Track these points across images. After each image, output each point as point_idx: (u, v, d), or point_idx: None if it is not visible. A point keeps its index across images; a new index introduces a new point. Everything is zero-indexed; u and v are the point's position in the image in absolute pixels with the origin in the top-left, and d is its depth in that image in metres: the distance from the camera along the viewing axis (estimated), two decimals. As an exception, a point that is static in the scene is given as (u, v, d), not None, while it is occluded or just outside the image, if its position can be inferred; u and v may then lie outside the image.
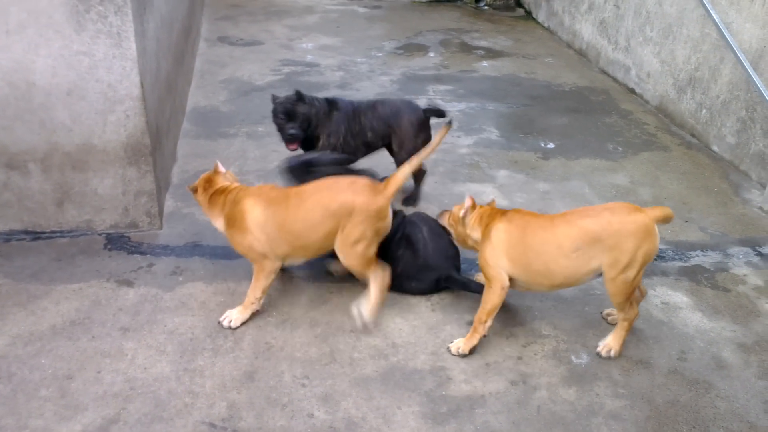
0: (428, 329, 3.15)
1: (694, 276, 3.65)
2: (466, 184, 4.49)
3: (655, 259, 3.76)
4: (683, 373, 2.96)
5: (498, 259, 2.92)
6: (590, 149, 5.13)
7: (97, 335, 2.98)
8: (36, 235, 3.63)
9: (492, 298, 2.94)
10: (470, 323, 3.18)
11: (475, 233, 3.08)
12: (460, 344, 3.01)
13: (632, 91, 6.33)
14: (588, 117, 5.75)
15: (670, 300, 3.44)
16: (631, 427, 2.67)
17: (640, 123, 5.66)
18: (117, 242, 3.63)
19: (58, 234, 3.65)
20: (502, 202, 4.29)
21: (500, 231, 2.93)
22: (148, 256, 3.54)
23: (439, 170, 4.64)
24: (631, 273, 2.79)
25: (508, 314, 3.27)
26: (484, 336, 3.01)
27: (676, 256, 3.82)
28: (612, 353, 3.01)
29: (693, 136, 5.40)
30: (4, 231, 3.60)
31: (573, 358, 3.02)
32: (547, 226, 2.87)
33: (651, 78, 6.02)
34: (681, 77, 5.56)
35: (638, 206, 2.85)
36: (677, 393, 2.85)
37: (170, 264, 3.49)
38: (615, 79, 6.63)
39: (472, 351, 3.00)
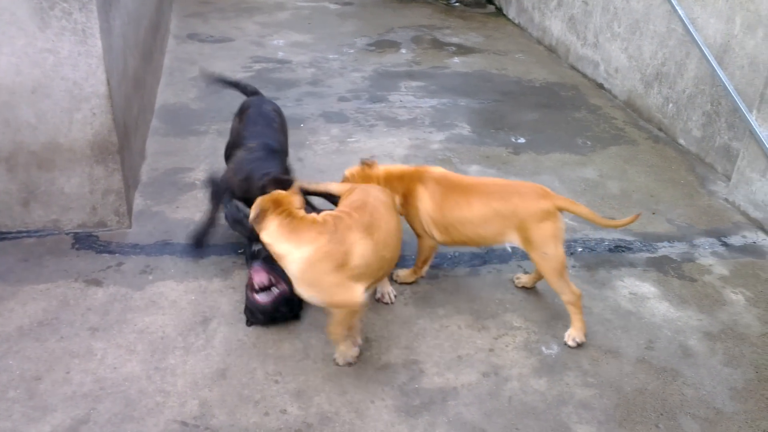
0: (401, 323, 3.17)
1: (661, 267, 3.71)
2: (438, 179, 4.51)
3: (623, 251, 3.83)
4: (651, 362, 3.02)
5: (424, 222, 3.22)
6: (560, 144, 5.19)
7: (66, 336, 2.94)
8: (2, 236, 3.56)
9: (424, 251, 3.35)
10: (443, 316, 3.22)
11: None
12: (406, 278, 3.45)
13: (601, 86, 6.41)
14: (558, 112, 5.81)
15: (638, 290, 3.50)
16: (600, 415, 2.71)
17: (609, 118, 5.74)
18: (85, 241, 3.58)
19: (25, 234, 3.59)
20: (473, 197, 4.31)
21: (424, 200, 3.19)
22: (117, 255, 3.50)
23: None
24: (550, 251, 3.01)
25: (480, 307, 3.30)
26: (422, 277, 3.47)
27: (644, 248, 3.88)
28: (577, 340, 3.09)
29: (660, 130, 5.49)
30: (-32, 232, 3.54)
31: (543, 349, 3.06)
32: (462, 202, 3.12)
33: (619, 73, 6.11)
34: (648, 72, 5.65)
35: (548, 191, 3.07)
36: (645, 381, 2.91)
37: (140, 263, 3.45)
38: (584, 75, 6.71)
39: (411, 283, 3.45)
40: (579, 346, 3.07)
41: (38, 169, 3.46)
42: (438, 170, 3.29)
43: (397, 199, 3.23)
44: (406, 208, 3.25)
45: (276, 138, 3.62)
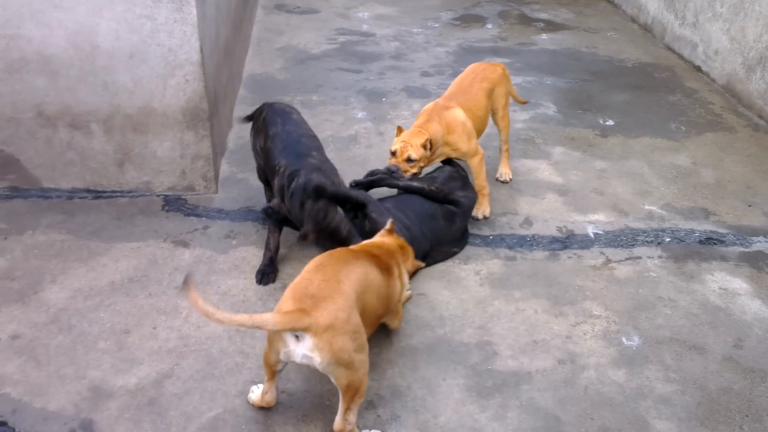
0: (476, 303, 3.14)
1: (755, 262, 3.52)
2: (520, 159, 4.42)
3: (714, 243, 3.65)
4: (738, 361, 2.88)
5: (473, 133, 3.70)
6: (651, 128, 4.97)
7: (154, 293, 3.07)
8: (97, 194, 3.74)
9: (483, 167, 3.71)
10: (520, 299, 3.17)
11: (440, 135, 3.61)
12: (486, 212, 3.76)
13: (698, 68, 6.08)
14: (650, 94, 5.56)
15: (729, 286, 3.33)
16: (681, 412, 2.62)
17: (706, 102, 5.45)
18: (174, 204, 3.72)
19: (119, 194, 3.76)
20: (556, 180, 4.21)
21: (460, 114, 3.64)
22: (203, 218, 3.62)
23: (493, 145, 4.57)
24: (507, 108, 4.10)
25: (558, 292, 3.23)
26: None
27: (737, 241, 3.69)
28: (509, 177, 4.13)
29: (761, 117, 5.17)
30: (67, 189, 3.73)
31: (624, 340, 2.97)
32: (469, 98, 3.78)
33: (719, 56, 5.77)
34: (751, 56, 5.31)
35: (493, 63, 4.08)
36: (731, 380, 2.78)
37: (224, 227, 3.55)
38: (680, 56, 6.38)
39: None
40: (508, 182, 4.13)
41: (133, 132, 3.60)
42: (431, 106, 3.74)
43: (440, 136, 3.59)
44: (453, 137, 3.62)
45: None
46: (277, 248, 3.24)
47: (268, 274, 3.18)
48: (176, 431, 2.42)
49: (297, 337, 2.19)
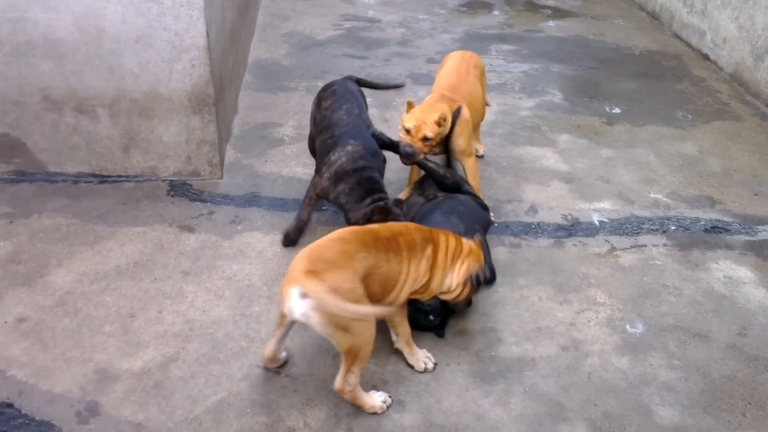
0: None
1: (760, 251, 3.51)
2: (526, 147, 4.41)
3: (720, 232, 3.64)
4: (742, 349, 2.88)
5: (472, 132, 3.62)
6: (658, 116, 4.95)
7: (159, 277, 3.09)
8: (103, 179, 3.75)
9: (477, 167, 3.62)
10: (524, 287, 3.17)
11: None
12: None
13: (706, 57, 6.04)
14: (657, 82, 5.53)
15: (734, 274, 3.33)
16: (684, 399, 2.62)
17: (713, 91, 5.42)
18: (179, 189, 3.72)
19: (124, 178, 3.76)
20: (562, 168, 4.20)
21: (465, 111, 3.50)
22: (208, 204, 3.62)
23: (498, 132, 4.56)
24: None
25: (563, 280, 3.23)
26: None
27: (743, 230, 3.68)
28: (483, 151, 4.19)
29: (769, 106, 5.15)
30: (72, 173, 3.73)
31: (628, 327, 2.97)
32: (471, 89, 3.73)
33: (727, 44, 5.73)
34: (759, 44, 5.27)
35: (469, 51, 4.02)
36: (735, 368, 2.78)
37: (229, 213, 3.56)
38: (688, 44, 6.33)
39: None
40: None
41: (139, 117, 3.60)
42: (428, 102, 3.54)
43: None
44: (455, 130, 3.46)
45: (367, 132, 3.35)
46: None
47: None
48: (181, 414, 2.44)
49: (303, 294, 2.26)
